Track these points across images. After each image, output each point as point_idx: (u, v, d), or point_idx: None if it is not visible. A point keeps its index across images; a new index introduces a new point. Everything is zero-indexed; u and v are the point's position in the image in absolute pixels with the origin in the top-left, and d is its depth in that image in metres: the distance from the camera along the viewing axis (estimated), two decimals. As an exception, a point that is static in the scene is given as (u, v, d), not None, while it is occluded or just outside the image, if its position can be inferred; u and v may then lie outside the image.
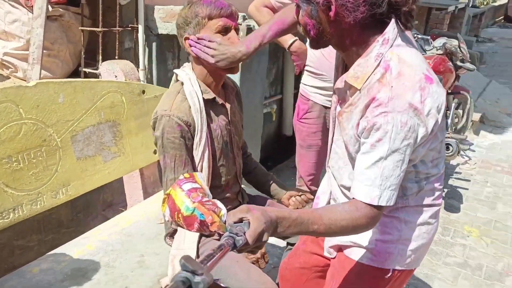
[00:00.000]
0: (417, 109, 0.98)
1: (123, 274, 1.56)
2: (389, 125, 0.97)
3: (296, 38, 2.02)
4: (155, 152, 2.19)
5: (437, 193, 1.21)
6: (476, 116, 4.84)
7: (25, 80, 2.50)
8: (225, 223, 0.98)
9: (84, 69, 2.69)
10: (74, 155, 1.77)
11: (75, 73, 2.84)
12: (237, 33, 1.51)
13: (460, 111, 4.05)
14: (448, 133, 3.26)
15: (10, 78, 2.63)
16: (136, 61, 2.77)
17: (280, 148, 3.97)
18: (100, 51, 2.59)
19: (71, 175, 1.77)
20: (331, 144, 1.29)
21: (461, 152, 3.02)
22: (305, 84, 2.13)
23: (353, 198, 1.05)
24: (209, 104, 1.53)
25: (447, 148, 2.91)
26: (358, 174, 1.04)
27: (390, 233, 1.20)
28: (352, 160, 1.15)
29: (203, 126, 1.48)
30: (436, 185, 1.19)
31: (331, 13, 1.01)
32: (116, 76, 2.11)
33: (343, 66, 1.19)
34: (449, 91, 3.75)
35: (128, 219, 1.91)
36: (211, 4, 1.45)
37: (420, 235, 1.21)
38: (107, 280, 1.52)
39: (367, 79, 1.03)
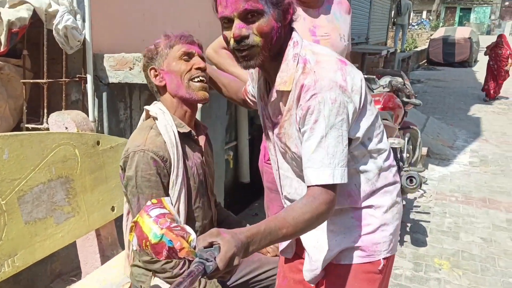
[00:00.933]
0: (342, 87, 1.06)
1: None
2: (321, 105, 1.04)
3: None
4: (113, 209, 1.98)
5: (394, 170, 1.27)
6: (424, 150, 5.01)
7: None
8: (194, 248, 0.94)
9: (26, 125, 2.46)
10: (21, 219, 1.54)
11: (17, 130, 2.59)
12: (204, 61, 1.46)
13: (410, 146, 4.17)
14: (408, 168, 3.30)
15: None
16: (86, 113, 2.58)
17: (239, 196, 3.83)
18: (46, 104, 2.39)
19: (19, 243, 1.52)
20: (279, 173, 1.31)
21: (422, 186, 3.06)
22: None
23: (308, 186, 1.07)
24: (184, 139, 1.44)
25: (411, 181, 2.92)
26: (306, 161, 1.07)
27: (370, 223, 1.22)
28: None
29: (180, 162, 1.36)
30: (390, 161, 1.26)
31: (289, 16, 1.10)
32: (66, 128, 1.92)
33: (266, 92, 1.23)
34: (399, 127, 3.85)
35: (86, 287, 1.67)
36: (170, 35, 1.45)
37: (394, 217, 1.26)
38: None
39: (293, 80, 1.11)
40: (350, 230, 1.23)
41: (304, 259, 1.35)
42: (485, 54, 9.90)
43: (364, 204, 1.22)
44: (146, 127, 1.40)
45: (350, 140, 1.12)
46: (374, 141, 1.19)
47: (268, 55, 1.09)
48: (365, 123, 1.14)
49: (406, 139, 3.72)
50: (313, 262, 1.29)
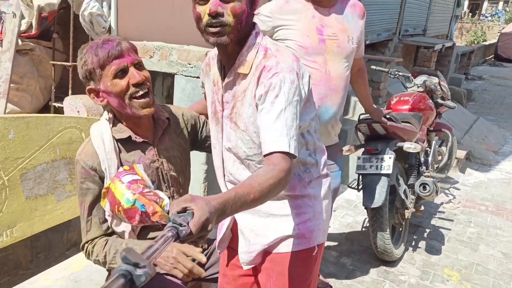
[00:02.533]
0: (298, 73, 1.20)
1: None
2: (281, 82, 1.15)
3: None
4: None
5: (326, 165, 1.41)
6: (461, 154, 4.79)
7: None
8: (168, 213, 0.94)
9: (54, 104, 2.64)
10: (22, 194, 1.70)
11: (46, 107, 2.80)
12: (140, 68, 1.37)
13: (444, 148, 4.01)
14: (428, 172, 3.19)
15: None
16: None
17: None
18: (70, 86, 2.56)
19: (18, 216, 1.69)
20: (222, 155, 1.37)
21: (440, 192, 2.95)
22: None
23: (266, 154, 1.14)
24: (126, 143, 1.42)
25: (424, 188, 2.83)
26: (265, 130, 1.15)
27: (306, 212, 1.33)
28: (251, 147, 1.26)
29: (112, 168, 1.36)
30: (324, 157, 1.40)
31: (255, 7, 1.20)
32: (78, 111, 2.07)
33: (221, 77, 1.31)
34: (431, 129, 3.71)
35: (79, 262, 1.82)
36: (97, 48, 1.33)
37: (326, 207, 1.39)
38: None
39: (251, 64, 1.21)
40: (287, 218, 1.32)
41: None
42: None
43: (302, 193, 1.32)
44: (89, 136, 1.45)
45: None
46: (313, 136, 1.32)
47: (235, 36, 1.18)
48: (308, 116, 1.27)
49: (435, 142, 3.58)
50: (250, 245, 1.36)
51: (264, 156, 1.15)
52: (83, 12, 2.41)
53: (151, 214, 0.97)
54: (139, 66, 1.38)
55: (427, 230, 3.44)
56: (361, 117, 2.79)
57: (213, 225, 0.94)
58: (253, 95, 1.20)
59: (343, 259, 2.94)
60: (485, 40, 20.03)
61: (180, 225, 0.87)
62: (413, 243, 3.23)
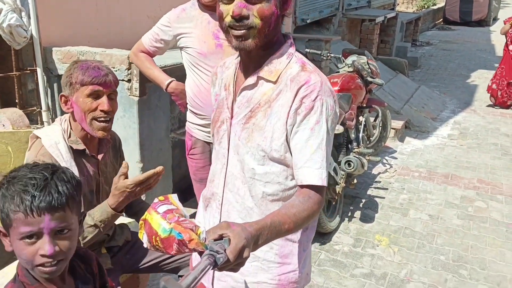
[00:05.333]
0: (335, 96, 1.15)
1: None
2: (323, 107, 1.10)
3: (173, 79, 2.10)
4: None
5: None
6: (398, 124, 5.08)
7: None
8: (204, 240, 0.96)
9: (-16, 115, 2.68)
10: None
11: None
12: (113, 98, 1.58)
13: (380, 123, 4.27)
14: (358, 148, 3.42)
15: None
16: (39, 102, 2.79)
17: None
18: (-2, 96, 2.60)
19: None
20: (226, 169, 1.23)
21: (366, 166, 3.18)
22: (188, 121, 2.21)
23: (302, 185, 1.12)
24: (79, 154, 1.61)
25: (349, 165, 3.06)
26: (305, 160, 1.10)
27: (291, 263, 1.25)
28: (264, 165, 1.15)
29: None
30: None
31: (287, 7, 1.12)
32: (3, 125, 2.13)
33: (234, 81, 1.22)
34: (364, 105, 3.94)
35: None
36: (86, 70, 1.54)
37: (308, 254, 1.33)
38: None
39: (280, 74, 1.13)
40: (269, 265, 1.24)
41: None
42: (502, 33, 6.27)
43: (296, 238, 1.24)
44: (37, 144, 1.56)
45: None
46: None
47: (261, 40, 1.09)
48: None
49: (364, 118, 3.81)
50: (224, 275, 1.28)
51: (298, 185, 1.13)
52: (2, 24, 2.43)
53: (187, 242, 0.97)
54: (113, 96, 1.59)
55: (363, 200, 3.71)
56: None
57: (250, 252, 0.92)
58: (287, 111, 1.10)
59: (283, 236, 3.16)
60: (434, 4, 20.53)
61: (217, 252, 0.88)
62: (349, 214, 3.48)
